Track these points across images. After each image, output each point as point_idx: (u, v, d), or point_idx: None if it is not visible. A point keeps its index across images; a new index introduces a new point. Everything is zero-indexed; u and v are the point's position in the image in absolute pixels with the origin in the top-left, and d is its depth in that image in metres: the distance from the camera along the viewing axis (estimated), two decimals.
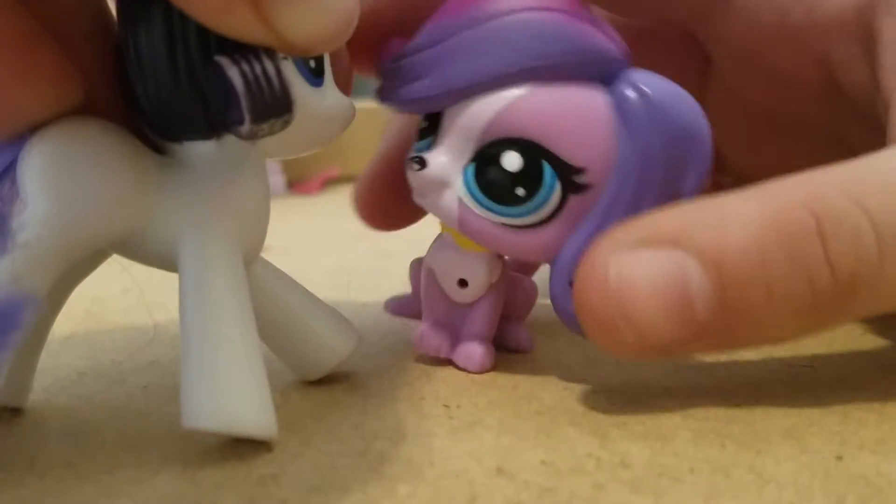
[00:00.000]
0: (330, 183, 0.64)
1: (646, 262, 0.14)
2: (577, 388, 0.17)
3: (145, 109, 0.14)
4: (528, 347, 0.20)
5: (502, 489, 0.13)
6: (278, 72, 0.13)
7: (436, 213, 0.17)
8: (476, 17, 0.16)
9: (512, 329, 0.20)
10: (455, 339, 0.19)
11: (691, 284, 0.14)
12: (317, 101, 0.15)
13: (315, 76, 0.15)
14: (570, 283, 0.16)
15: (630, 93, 0.15)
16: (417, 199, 0.18)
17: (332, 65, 0.16)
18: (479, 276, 0.18)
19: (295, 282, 0.17)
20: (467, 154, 0.16)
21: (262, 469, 0.13)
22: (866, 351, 0.19)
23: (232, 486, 0.13)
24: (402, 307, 0.23)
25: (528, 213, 0.16)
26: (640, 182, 0.15)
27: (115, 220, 0.14)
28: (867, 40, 0.19)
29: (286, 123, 0.14)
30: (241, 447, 0.14)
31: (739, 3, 0.21)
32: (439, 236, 0.19)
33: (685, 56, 0.24)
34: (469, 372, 0.18)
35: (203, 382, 0.13)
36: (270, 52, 0.13)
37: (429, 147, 0.17)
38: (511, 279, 0.19)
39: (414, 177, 0.17)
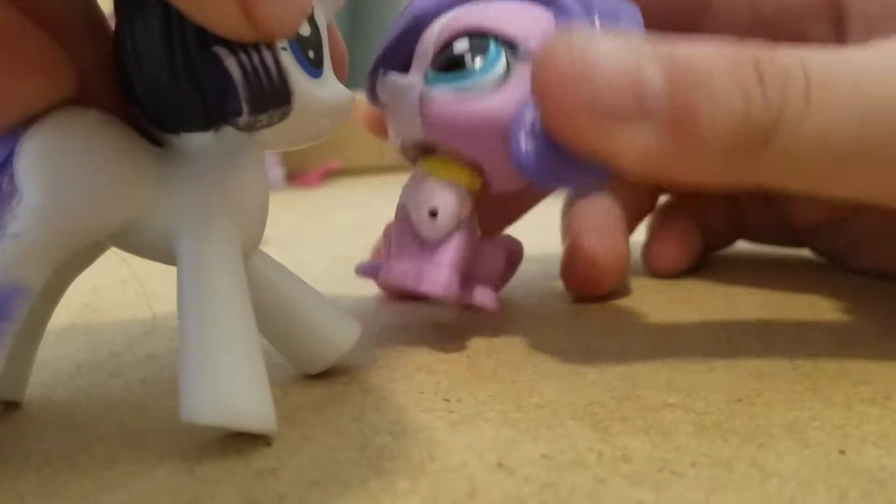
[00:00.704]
0: (330, 176, 0.64)
1: (606, 41, 0.16)
2: (578, 382, 0.17)
3: (142, 101, 0.14)
4: (493, 305, 0.20)
5: (502, 483, 0.13)
6: (277, 62, 0.13)
7: (402, 125, 0.19)
8: None
9: (480, 288, 0.20)
10: (421, 272, 0.19)
11: (644, 71, 0.15)
12: (316, 92, 0.15)
13: (314, 67, 0.15)
14: (527, 132, 0.17)
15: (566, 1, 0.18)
16: (392, 119, 0.20)
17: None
18: (450, 204, 0.19)
19: (294, 275, 0.17)
20: (427, 63, 0.19)
21: (261, 463, 0.13)
22: (869, 344, 0.19)
23: (231, 480, 0.13)
24: (373, 270, 0.23)
25: (477, 75, 0.18)
26: None
27: (110, 213, 0.14)
28: (837, 20, 0.20)
29: (285, 115, 0.14)
30: (240, 441, 0.14)
31: (716, 5, 0.22)
32: (413, 174, 0.20)
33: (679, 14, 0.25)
34: (434, 297, 0.18)
35: (201, 376, 0.13)
36: (269, 43, 0.13)
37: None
38: (479, 245, 0.20)
39: (386, 88, 0.19)
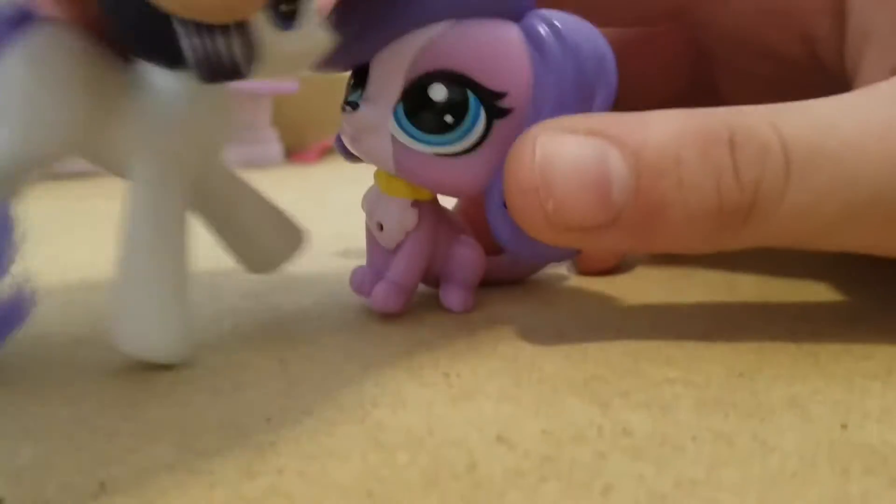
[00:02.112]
0: (328, 152, 0.63)
1: (570, 144, 0.15)
2: (578, 358, 0.17)
3: (114, 27, 0.15)
4: (457, 308, 0.20)
5: (502, 458, 0.12)
6: (230, 46, 0.14)
7: (371, 159, 0.18)
8: None
9: (449, 289, 0.20)
10: (371, 287, 0.20)
11: (610, 168, 0.15)
12: (285, 43, 0.15)
13: (287, 20, 0.15)
14: (504, 203, 0.17)
15: (541, 25, 0.17)
16: (353, 147, 0.19)
17: None
18: (392, 219, 0.19)
19: (250, 188, 0.19)
20: (396, 94, 0.17)
21: (260, 436, 0.13)
22: (871, 320, 0.19)
23: (229, 454, 0.13)
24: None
25: (457, 139, 0.17)
26: (556, 105, 0.17)
27: (68, 140, 0.15)
28: (839, 15, 0.20)
29: (242, 78, 0.14)
30: (240, 415, 0.14)
31: None
32: (372, 185, 0.20)
33: (675, 44, 0.25)
34: (375, 310, 0.19)
35: (118, 303, 0.15)
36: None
37: (360, 97, 0.18)
38: (454, 241, 0.20)
39: (348, 122, 0.18)
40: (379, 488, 0.12)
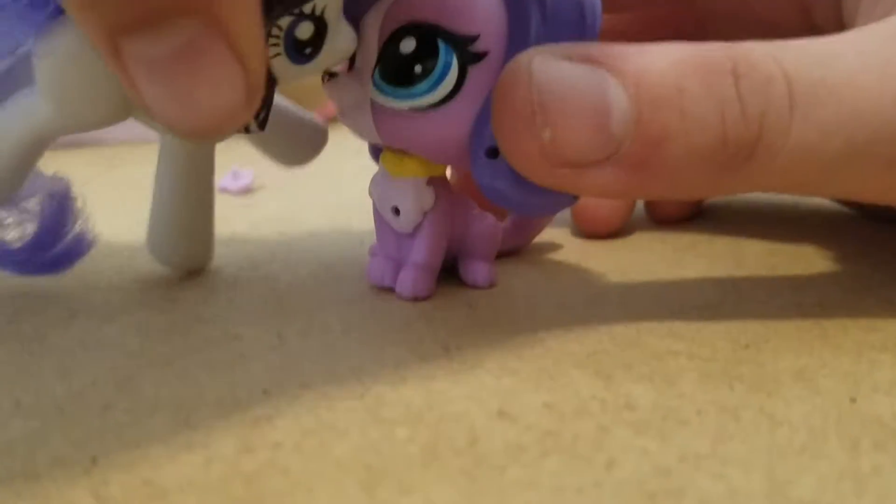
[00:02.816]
0: (330, 120, 0.63)
1: (567, 70, 0.14)
2: (581, 330, 0.17)
3: None
4: (483, 283, 0.20)
5: (504, 432, 0.12)
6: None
7: (357, 130, 0.18)
8: None
9: (471, 264, 0.20)
10: (399, 268, 0.19)
11: (609, 96, 0.14)
12: (294, 73, 0.16)
13: (307, 59, 0.16)
14: (487, 152, 0.16)
15: None
16: (342, 120, 0.18)
17: None
18: (409, 201, 0.18)
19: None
20: (373, 59, 0.17)
21: (257, 410, 0.13)
22: (878, 291, 0.19)
23: (226, 428, 0.12)
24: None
25: (430, 89, 0.16)
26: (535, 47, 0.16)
27: (108, 115, 0.15)
28: None
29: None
30: (237, 389, 0.14)
31: None
32: (378, 170, 0.19)
33: (678, 20, 0.25)
34: (404, 298, 0.18)
35: (152, 218, 0.20)
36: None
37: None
38: (469, 216, 0.19)
39: (331, 94, 0.18)
40: (378, 463, 0.11)
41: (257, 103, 0.12)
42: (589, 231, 0.24)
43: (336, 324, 0.17)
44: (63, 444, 0.12)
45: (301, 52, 0.16)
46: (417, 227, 0.19)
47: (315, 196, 0.33)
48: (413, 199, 0.18)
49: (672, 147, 0.14)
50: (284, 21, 0.15)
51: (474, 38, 0.16)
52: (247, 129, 0.16)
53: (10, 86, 0.16)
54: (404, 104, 0.17)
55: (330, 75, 0.18)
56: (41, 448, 0.12)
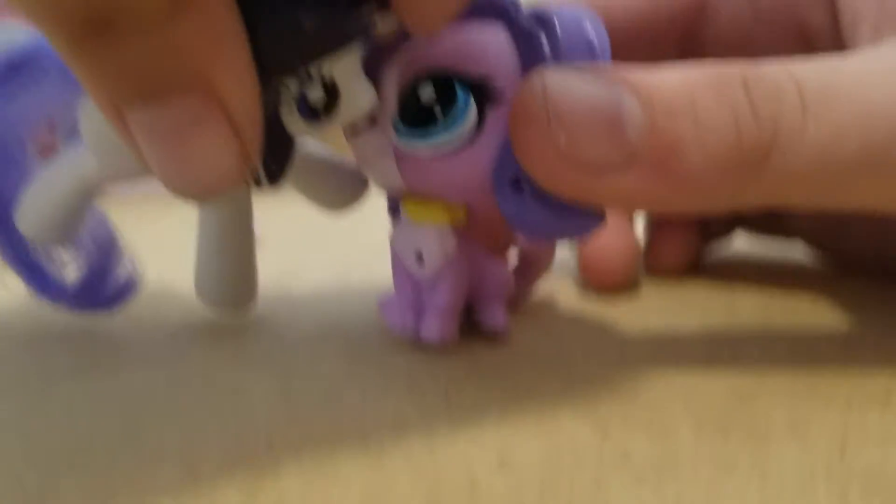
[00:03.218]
0: None
1: (582, 82, 0.15)
2: (579, 381, 0.17)
3: None
4: (501, 326, 0.20)
5: (503, 481, 0.13)
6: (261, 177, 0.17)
7: (381, 180, 0.19)
8: None
9: (488, 308, 0.20)
10: (421, 313, 0.19)
11: (624, 107, 0.15)
12: (317, 129, 0.17)
13: (316, 119, 0.16)
14: (510, 183, 0.16)
15: (524, 18, 0.17)
16: (367, 172, 0.19)
17: None
18: (433, 246, 0.18)
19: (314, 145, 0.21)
20: (392, 108, 0.17)
21: (262, 461, 0.13)
22: (869, 345, 0.19)
23: (231, 478, 0.13)
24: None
25: (450, 130, 0.17)
26: None
27: (143, 171, 0.16)
28: (831, 5, 0.21)
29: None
30: (241, 439, 0.14)
31: (713, 4, 0.23)
32: (399, 217, 0.20)
33: (684, 53, 0.26)
34: (432, 343, 0.18)
35: (197, 265, 0.21)
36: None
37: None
38: (479, 261, 0.20)
39: (355, 147, 0.18)
40: None
41: (251, 165, 0.13)
42: (596, 282, 0.25)
43: (340, 375, 0.18)
44: (73, 495, 0.12)
45: (315, 113, 0.16)
46: (438, 276, 0.19)
47: (316, 249, 0.33)
48: (438, 244, 0.18)
49: (688, 153, 0.15)
50: (295, 84, 0.16)
51: (488, 78, 0.17)
52: (258, 184, 0.16)
53: (75, 140, 0.18)
54: (427, 146, 0.17)
55: (352, 128, 0.18)
56: (52, 499, 0.12)
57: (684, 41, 0.24)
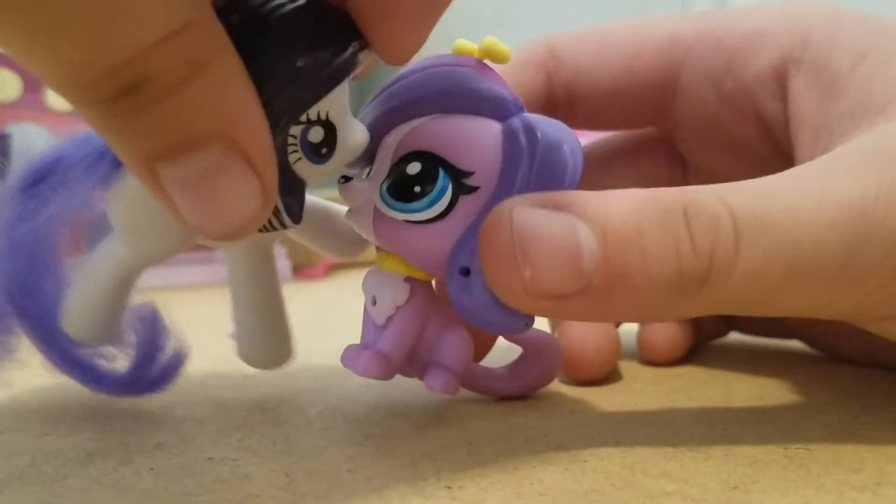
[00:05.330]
0: (335, 268, 0.65)
1: (543, 217, 0.17)
2: (578, 470, 0.17)
3: None
4: (435, 385, 0.20)
5: None
6: (279, 218, 0.18)
7: (360, 228, 0.20)
8: (409, 70, 0.20)
9: (434, 369, 0.21)
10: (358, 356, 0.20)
11: (581, 240, 0.16)
12: (312, 172, 0.18)
13: (321, 158, 0.18)
14: (461, 270, 0.18)
15: (517, 123, 0.19)
16: (350, 218, 0.21)
17: None
18: (385, 292, 0.20)
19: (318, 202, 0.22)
20: (384, 173, 0.20)
21: None
22: (861, 433, 0.20)
23: None
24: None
25: (424, 207, 0.19)
26: (520, 190, 0.18)
27: (174, 247, 0.19)
28: (784, 98, 0.22)
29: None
30: None
31: (683, 85, 0.24)
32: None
33: (668, 158, 0.27)
34: (364, 376, 0.19)
35: (236, 328, 0.22)
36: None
37: (356, 175, 0.21)
38: (443, 326, 0.21)
39: (344, 196, 0.20)
40: None
41: (273, 204, 0.15)
42: (574, 375, 0.25)
43: (343, 463, 0.18)
44: None
45: (318, 153, 0.18)
46: (389, 319, 0.20)
47: (317, 338, 0.34)
48: (389, 292, 0.20)
49: (635, 280, 0.17)
50: (297, 129, 0.17)
51: (470, 174, 0.19)
52: (283, 226, 0.18)
53: (104, 234, 0.19)
54: (401, 216, 0.19)
55: (345, 179, 0.20)
56: None
57: (657, 112, 0.26)
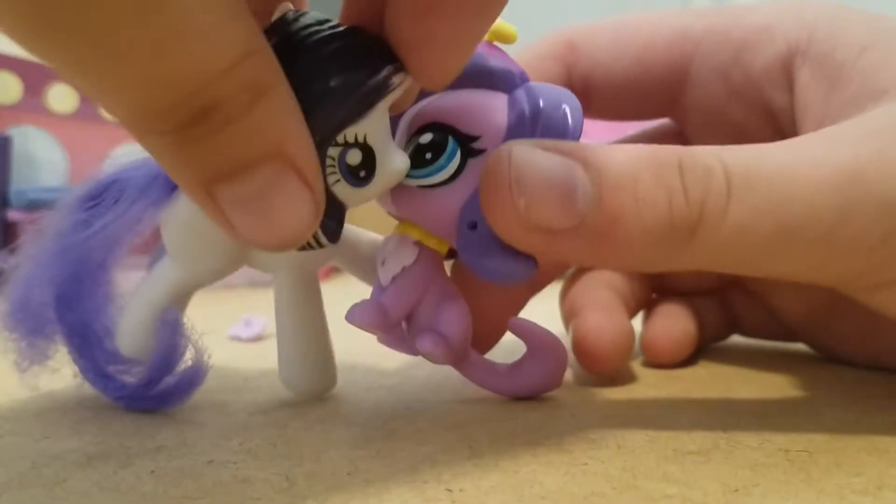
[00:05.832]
0: (336, 271, 0.65)
1: (541, 156, 0.18)
2: (579, 473, 0.17)
3: None
4: (422, 345, 0.21)
5: None
6: (318, 237, 0.18)
7: (382, 201, 0.21)
8: None
9: (426, 333, 0.21)
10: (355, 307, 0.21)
11: (576, 180, 0.17)
12: (352, 196, 0.18)
13: (361, 182, 0.18)
14: (469, 224, 0.19)
15: (520, 90, 0.20)
16: None
17: None
18: (392, 252, 0.21)
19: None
20: (402, 145, 0.21)
21: None
22: (862, 436, 0.20)
23: None
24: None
25: (434, 172, 0.20)
26: None
27: (224, 268, 0.20)
28: (790, 89, 0.23)
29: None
30: None
31: (693, 77, 0.25)
32: None
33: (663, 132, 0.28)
34: (359, 327, 0.21)
35: (280, 354, 0.23)
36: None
37: None
38: (444, 295, 0.21)
39: None
40: None
41: (322, 214, 0.16)
42: (589, 366, 0.25)
43: (343, 466, 0.18)
44: None
45: (356, 175, 0.18)
46: (394, 279, 0.21)
47: None
48: (396, 252, 0.21)
49: (627, 224, 0.17)
50: (335, 151, 0.17)
51: (477, 138, 0.20)
52: (319, 244, 0.18)
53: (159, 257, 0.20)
54: (415, 182, 0.20)
55: None
56: None
57: (668, 104, 0.27)
